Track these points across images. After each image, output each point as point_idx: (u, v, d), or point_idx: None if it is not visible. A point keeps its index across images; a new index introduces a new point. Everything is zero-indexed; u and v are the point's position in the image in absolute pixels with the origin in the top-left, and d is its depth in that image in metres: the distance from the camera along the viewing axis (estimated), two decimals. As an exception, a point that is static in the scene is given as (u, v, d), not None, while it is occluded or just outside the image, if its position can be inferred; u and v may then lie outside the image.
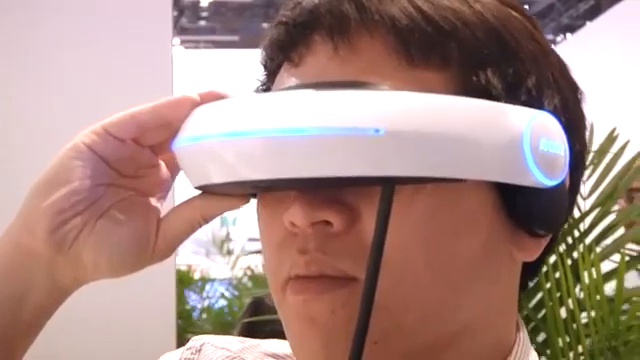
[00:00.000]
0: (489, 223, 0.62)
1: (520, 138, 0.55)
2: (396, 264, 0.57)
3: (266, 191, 0.62)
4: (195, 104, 0.59)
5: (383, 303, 0.55)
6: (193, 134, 0.57)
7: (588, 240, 1.80)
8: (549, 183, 0.57)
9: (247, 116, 0.54)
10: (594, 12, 10.45)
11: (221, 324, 4.19)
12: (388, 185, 0.53)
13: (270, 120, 0.52)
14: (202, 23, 11.70)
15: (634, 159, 1.86)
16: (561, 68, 0.68)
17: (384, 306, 0.55)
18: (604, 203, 1.76)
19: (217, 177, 0.56)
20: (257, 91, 0.71)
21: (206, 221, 0.63)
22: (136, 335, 2.02)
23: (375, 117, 0.51)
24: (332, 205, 0.57)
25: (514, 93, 0.61)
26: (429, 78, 0.60)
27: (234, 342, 0.83)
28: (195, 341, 0.83)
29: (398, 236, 0.56)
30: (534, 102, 0.62)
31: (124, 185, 0.61)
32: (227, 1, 10.94)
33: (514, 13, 0.66)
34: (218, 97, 0.60)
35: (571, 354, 1.62)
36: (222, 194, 0.62)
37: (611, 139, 1.90)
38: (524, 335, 0.69)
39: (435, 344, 0.62)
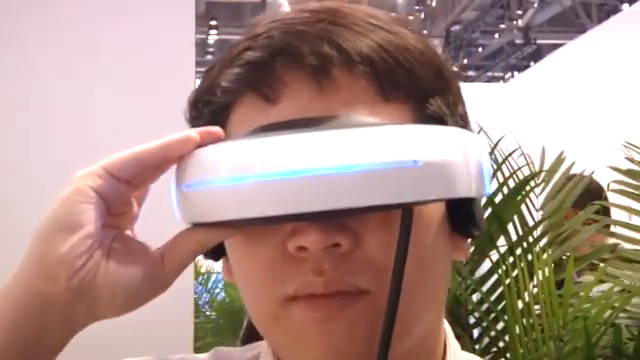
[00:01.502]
0: (444, 232, 0.66)
1: (483, 158, 0.60)
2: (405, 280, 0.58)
3: (273, 223, 0.60)
4: (197, 144, 0.59)
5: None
6: (227, 173, 0.56)
7: (542, 243, 1.97)
8: (488, 192, 0.63)
9: (277, 158, 0.54)
10: (537, 55, 10.98)
11: (223, 311, 4.56)
12: (408, 209, 0.56)
13: (301, 161, 0.53)
14: (209, 57, 11.77)
15: (578, 179, 2.05)
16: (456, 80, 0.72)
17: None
18: (553, 215, 1.95)
19: (255, 212, 0.56)
20: (195, 119, 0.70)
21: (205, 249, 0.63)
22: (154, 324, 2.07)
23: (410, 150, 0.54)
24: (341, 229, 0.59)
25: (454, 118, 0.66)
26: (399, 110, 0.63)
27: None
28: None
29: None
30: (466, 125, 0.68)
31: (110, 223, 0.59)
32: (231, 38, 11.02)
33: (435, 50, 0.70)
34: (216, 136, 0.60)
35: (526, 339, 1.75)
36: (222, 225, 0.60)
37: (559, 161, 2.09)
38: (447, 325, 0.74)
39: (415, 345, 0.65)
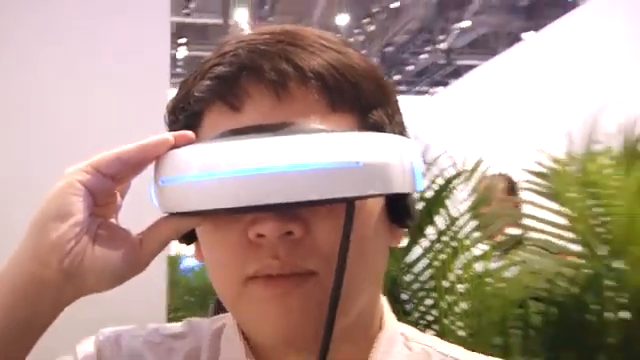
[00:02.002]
0: (383, 225, 0.72)
1: (415, 160, 0.65)
2: (351, 266, 0.63)
3: (237, 213, 0.64)
4: (172, 145, 0.63)
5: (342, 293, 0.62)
6: (197, 171, 0.61)
7: (466, 231, 2.17)
8: (420, 189, 0.66)
9: (240, 158, 0.59)
10: (457, 74, 11.96)
11: (189, 288, 4.65)
12: (351, 202, 0.61)
13: (261, 160, 0.58)
14: (178, 70, 11.95)
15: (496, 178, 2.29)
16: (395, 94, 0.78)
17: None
18: (474, 207, 2.18)
19: (219, 202, 0.60)
20: (172, 124, 0.74)
21: (178, 235, 0.67)
22: (129, 302, 2.09)
23: (354, 152, 0.58)
24: (293, 220, 0.63)
25: (392, 127, 0.72)
26: (345, 119, 0.68)
27: (143, 330, 0.86)
28: (108, 334, 0.84)
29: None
30: (402, 132, 0.74)
31: (96, 212, 0.63)
32: (200, 55, 11.01)
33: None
34: (189, 138, 0.65)
35: (450, 314, 1.96)
36: (193, 214, 0.64)
37: (479, 163, 2.30)
38: (384, 301, 0.80)
39: (357, 317, 0.71)
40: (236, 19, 11.78)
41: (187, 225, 0.66)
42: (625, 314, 1.96)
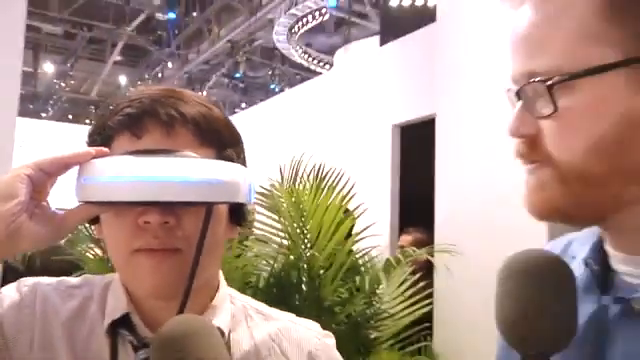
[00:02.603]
0: (226, 221, 0.89)
1: (251, 182, 0.84)
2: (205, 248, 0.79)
3: (134, 206, 0.80)
4: (93, 156, 0.78)
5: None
6: (109, 174, 0.76)
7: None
8: (252, 200, 0.85)
9: (137, 168, 0.75)
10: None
11: None
12: (210, 205, 0.80)
13: (151, 171, 0.75)
14: None
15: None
16: (241, 138, 0.94)
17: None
18: None
19: (120, 197, 0.76)
20: (90, 143, 0.88)
21: (90, 217, 0.82)
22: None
23: (213, 173, 0.77)
24: (171, 213, 0.80)
25: (239, 160, 0.88)
26: (209, 152, 0.85)
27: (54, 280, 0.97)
28: (26, 281, 0.95)
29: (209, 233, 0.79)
30: (244, 164, 0.90)
31: (34, 197, 0.76)
32: None
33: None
34: (104, 153, 0.80)
35: None
36: (103, 204, 0.78)
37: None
38: (221, 274, 0.97)
39: (204, 282, 0.88)
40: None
41: (98, 211, 0.82)
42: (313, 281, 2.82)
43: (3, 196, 0.74)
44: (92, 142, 0.88)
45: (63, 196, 0.87)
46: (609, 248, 0.71)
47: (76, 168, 0.78)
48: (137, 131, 0.84)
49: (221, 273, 0.97)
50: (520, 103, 0.69)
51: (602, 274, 0.71)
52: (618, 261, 0.70)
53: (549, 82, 0.64)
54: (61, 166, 0.77)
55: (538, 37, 0.67)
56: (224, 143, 0.88)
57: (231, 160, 0.84)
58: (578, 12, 0.64)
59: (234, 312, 0.95)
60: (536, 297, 0.64)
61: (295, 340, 0.97)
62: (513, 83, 0.71)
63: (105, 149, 0.80)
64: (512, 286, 0.66)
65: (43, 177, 0.77)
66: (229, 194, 0.79)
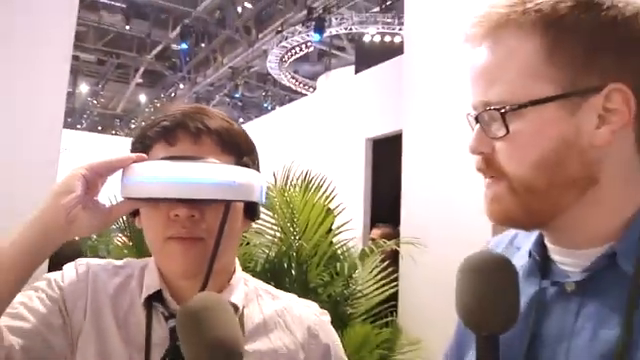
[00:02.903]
0: (242, 218, 0.90)
1: (263, 184, 0.83)
2: (217, 235, 0.79)
3: (165, 202, 0.80)
4: (134, 161, 0.79)
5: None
6: (148, 175, 0.77)
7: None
8: (264, 201, 0.84)
9: (171, 171, 0.76)
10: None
11: None
12: (228, 203, 0.79)
13: (182, 174, 0.76)
14: None
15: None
16: (256, 148, 0.93)
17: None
18: None
19: (156, 194, 0.77)
20: (133, 150, 0.87)
21: (132, 210, 0.84)
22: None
23: (232, 177, 0.77)
24: (196, 208, 0.81)
25: (254, 166, 0.87)
26: (230, 159, 0.85)
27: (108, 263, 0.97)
28: (81, 260, 0.95)
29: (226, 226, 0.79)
30: (258, 170, 0.89)
31: (88, 192, 0.77)
32: None
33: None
34: (143, 158, 0.80)
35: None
36: (140, 200, 0.80)
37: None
38: (237, 258, 0.96)
39: (222, 265, 0.88)
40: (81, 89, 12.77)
41: (138, 205, 0.83)
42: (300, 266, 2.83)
43: (64, 191, 0.75)
44: (134, 149, 0.88)
45: (111, 193, 0.90)
46: (548, 243, 0.73)
47: (121, 171, 0.80)
48: (171, 140, 0.85)
49: (237, 260, 0.97)
50: (478, 126, 0.71)
51: (542, 263, 0.73)
52: (555, 253, 0.72)
53: (502, 110, 0.66)
54: (109, 168, 0.78)
55: (492, 73, 0.68)
56: (242, 152, 0.88)
57: (247, 166, 0.83)
58: (523, 55, 0.66)
59: (247, 292, 0.95)
60: (487, 290, 0.67)
61: (297, 316, 0.98)
62: (473, 109, 0.72)
63: (144, 155, 0.81)
64: (469, 281, 0.69)
65: (95, 177, 0.77)
66: (244, 194, 0.78)
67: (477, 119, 0.71)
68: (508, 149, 0.68)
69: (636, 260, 0.64)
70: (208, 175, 0.76)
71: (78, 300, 0.88)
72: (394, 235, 3.72)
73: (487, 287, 0.67)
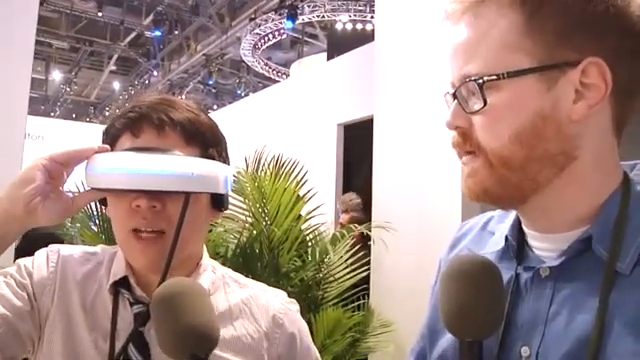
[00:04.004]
0: (207, 209, 0.88)
1: (228, 175, 0.82)
2: (183, 229, 0.79)
3: (127, 192, 0.79)
4: (97, 151, 0.79)
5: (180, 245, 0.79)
6: (107, 166, 0.77)
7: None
8: (225, 191, 0.83)
9: (133, 162, 0.76)
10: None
11: None
12: (187, 194, 0.78)
13: (144, 165, 0.76)
14: None
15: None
16: (225, 139, 0.92)
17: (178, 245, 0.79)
18: None
19: (115, 185, 0.77)
20: (104, 141, 0.86)
21: (95, 199, 0.85)
22: None
23: (191, 168, 0.76)
24: (157, 199, 0.80)
25: (220, 158, 0.87)
26: (194, 151, 0.84)
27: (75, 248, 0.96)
28: (52, 247, 0.94)
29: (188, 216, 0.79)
30: (226, 162, 0.89)
31: (50, 182, 0.77)
32: None
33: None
34: (106, 149, 0.80)
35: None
36: (101, 190, 0.80)
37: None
38: (205, 249, 0.95)
39: (185, 257, 0.88)
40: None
41: (101, 195, 0.84)
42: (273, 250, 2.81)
43: (23, 181, 0.75)
44: (104, 139, 0.88)
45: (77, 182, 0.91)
46: (525, 227, 0.72)
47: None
48: (135, 131, 0.84)
49: (205, 249, 0.96)
50: (455, 102, 0.69)
51: (518, 248, 0.72)
52: (532, 238, 0.70)
53: (480, 81, 0.65)
54: (71, 159, 0.78)
55: (471, 47, 0.67)
56: (207, 143, 0.87)
57: (212, 158, 0.84)
58: (502, 28, 0.65)
59: (214, 280, 0.94)
60: (472, 295, 0.64)
61: (263, 305, 0.96)
62: (451, 87, 0.70)
63: (106, 146, 0.81)
64: (453, 287, 0.66)
65: (57, 167, 0.77)
66: (205, 185, 0.78)
67: (455, 95, 0.69)
68: (485, 122, 0.66)
69: (611, 244, 0.63)
70: (167, 167, 0.75)
71: (46, 286, 0.88)
72: (363, 220, 3.70)
73: (472, 293, 0.65)
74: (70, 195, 0.80)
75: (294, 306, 0.99)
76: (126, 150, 0.81)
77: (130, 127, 0.85)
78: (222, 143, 0.91)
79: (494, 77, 0.64)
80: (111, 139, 0.87)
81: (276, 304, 0.97)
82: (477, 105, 0.66)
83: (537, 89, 0.64)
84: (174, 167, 0.76)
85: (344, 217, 4.44)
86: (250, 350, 0.91)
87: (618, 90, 0.64)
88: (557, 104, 0.64)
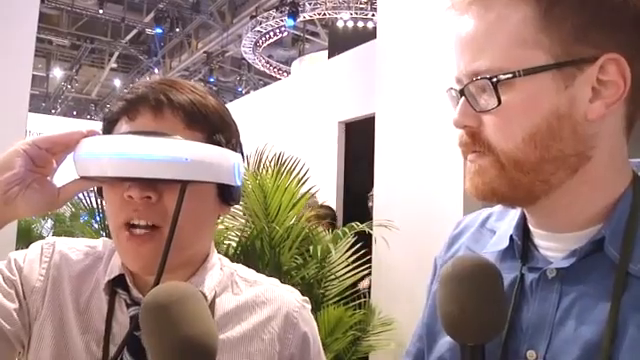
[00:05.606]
0: (214, 202, 0.80)
1: (235, 163, 0.73)
2: (181, 222, 0.70)
3: (120, 181, 0.71)
4: (85, 135, 0.72)
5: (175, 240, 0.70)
6: (94, 151, 0.68)
7: None
8: (238, 184, 0.75)
9: (126, 146, 0.67)
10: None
11: None
12: (184, 183, 0.69)
13: (137, 149, 0.66)
14: None
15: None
16: (236, 126, 0.84)
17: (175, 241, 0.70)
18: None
19: (101, 172, 0.68)
20: (103, 128, 0.80)
21: (83, 189, 0.75)
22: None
23: (184, 153, 0.67)
24: (152, 189, 0.72)
25: (228, 145, 0.78)
26: (197, 136, 0.76)
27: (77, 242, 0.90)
28: (49, 240, 0.88)
29: (186, 208, 0.70)
30: (236, 149, 0.81)
31: (36, 171, 0.70)
32: None
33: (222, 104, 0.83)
34: (95, 132, 0.73)
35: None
36: (94, 179, 0.72)
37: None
38: (213, 246, 0.88)
39: (188, 257, 0.81)
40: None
41: (90, 185, 0.75)
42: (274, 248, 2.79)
43: (1, 167, 0.69)
44: (103, 126, 0.82)
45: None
46: (531, 226, 0.69)
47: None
48: (131, 114, 0.77)
49: (213, 246, 0.88)
50: (463, 99, 0.65)
51: (524, 248, 0.69)
52: (539, 237, 0.67)
53: (494, 79, 0.61)
54: (55, 143, 0.71)
55: (481, 42, 0.63)
56: (213, 128, 0.78)
57: (219, 144, 0.75)
58: (515, 21, 0.61)
59: (221, 279, 0.86)
60: (474, 298, 0.62)
61: (276, 302, 0.89)
62: (457, 83, 0.66)
63: (94, 129, 0.74)
64: (453, 290, 0.63)
65: (41, 153, 0.70)
66: (204, 174, 0.69)
67: (462, 92, 0.65)
68: (497, 122, 0.63)
69: (622, 245, 0.61)
70: (157, 151, 0.67)
71: (37, 282, 0.82)
72: (330, 215, 3.59)
73: (474, 296, 0.62)
74: (56, 185, 0.73)
75: (307, 304, 0.93)
76: (124, 134, 0.75)
77: (127, 110, 0.78)
78: (232, 129, 0.83)
79: (509, 75, 0.60)
80: (109, 124, 0.80)
81: (290, 301, 0.90)
82: (490, 104, 0.62)
83: (553, 87, 0.60)
84: (166, 151, 0.67)
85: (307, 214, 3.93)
86: (259, 352, 0.84)
87: (634, 87, 0.62)
88: (573, 103, 0.61)
